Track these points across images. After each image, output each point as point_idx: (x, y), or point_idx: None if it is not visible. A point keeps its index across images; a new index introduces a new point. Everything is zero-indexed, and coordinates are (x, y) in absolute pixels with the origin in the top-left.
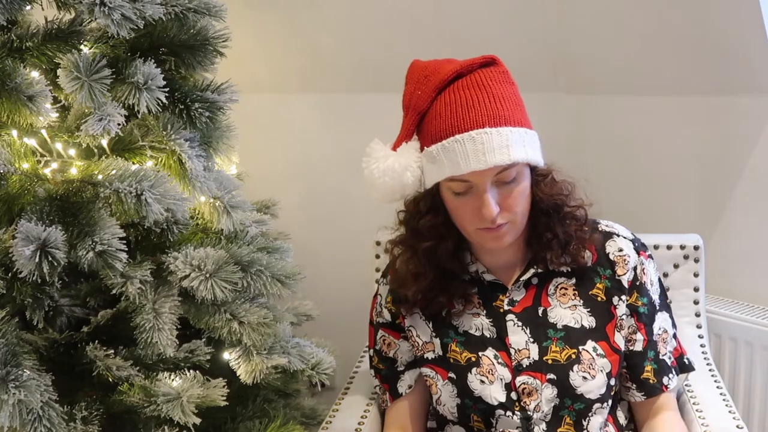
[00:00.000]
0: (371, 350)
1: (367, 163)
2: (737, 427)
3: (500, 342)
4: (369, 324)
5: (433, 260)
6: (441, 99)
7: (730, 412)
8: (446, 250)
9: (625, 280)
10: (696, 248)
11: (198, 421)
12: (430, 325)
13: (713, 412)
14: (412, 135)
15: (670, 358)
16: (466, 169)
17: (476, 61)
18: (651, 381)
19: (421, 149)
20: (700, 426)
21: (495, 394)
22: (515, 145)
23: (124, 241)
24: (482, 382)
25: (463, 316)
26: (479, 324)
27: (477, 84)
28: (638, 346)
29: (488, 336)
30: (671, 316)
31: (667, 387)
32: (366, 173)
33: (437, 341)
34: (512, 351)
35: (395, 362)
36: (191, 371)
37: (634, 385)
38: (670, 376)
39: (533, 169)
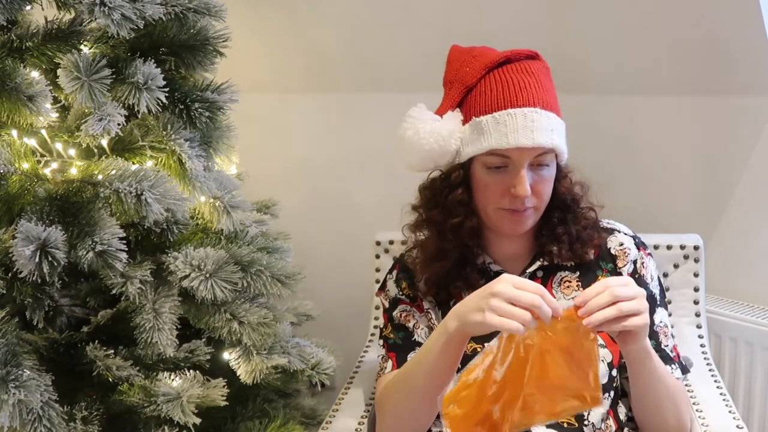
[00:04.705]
0: (383, 326)
1: (411, 123)
2: (737, 427)
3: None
4: (383, 299)
5: (459, 237)
6: (491, 76)
7: (730, 412)
8: (471, 227)
9: (625, 272)
10: (696, 248)
11: (198, 421)
12: (440, 314)
13: (713, 412)
14: (456, 106)
15: (672, 351)
16: (513, 143)
17: (523, 52)
18: None
19: (464, 122)
20: (700, 426)
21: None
22: (557, 133)
23: (124, 241)
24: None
25: None
26: None
27: (526, 70)
28: None
29: None
30: (668, 317)
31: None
32: (409, 134)
33: None
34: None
35: (411, 334)
36: (191, 371)
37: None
38: (673, 367)
39: (558, 166)
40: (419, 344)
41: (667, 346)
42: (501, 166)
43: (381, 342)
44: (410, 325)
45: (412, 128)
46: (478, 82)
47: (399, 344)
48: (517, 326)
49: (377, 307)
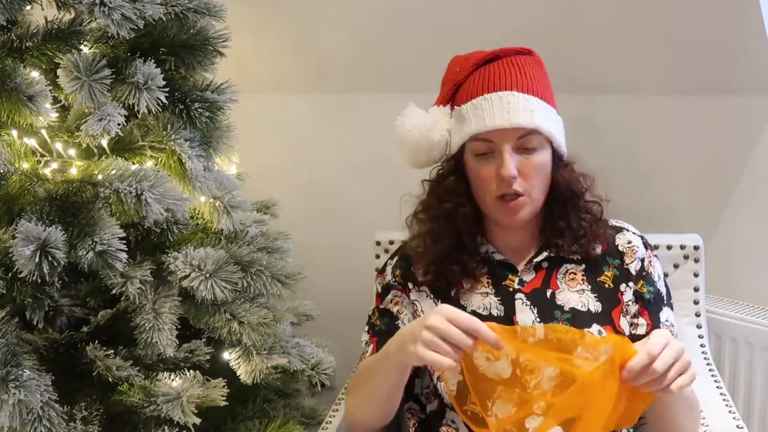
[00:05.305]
0: (372, 310)
1: (400, 120)
2: (737, 427)
3: (507, 320)
4: (378, 282)
5: (452, 223)
6: (477, 72)
7: (730, 412)
8: (465, 214)
9: (633, 269)
10: (696, 248)
11: (198, 421)
12: (438, 303)
13: (713, 412)
14: (445, 102)
15: None
16: (490, 125)
17: (513, 49)
18: None
19: (451, 116)
20: (701, 426)
21: (499, 370)
22: (539, 114)
23: (124, 241)
24: (488, 359)
25: (471, 296)
26: (487, 303)
27: (511, 63)
28: (641, 330)
29: (495, 315)
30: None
31: None
32: (398, 129)
33: None
34: (518, 329)
35: (396, 319)
36: (191, 371)
37: None
38: None
39: (555, 154)
40: None
41: None
42: (487, 152)
43: (367, 328)
44: (395, 310)
45: (400, 124)
46: (466, 78)
47: (383, 330)
48: (449, 363)
49: None
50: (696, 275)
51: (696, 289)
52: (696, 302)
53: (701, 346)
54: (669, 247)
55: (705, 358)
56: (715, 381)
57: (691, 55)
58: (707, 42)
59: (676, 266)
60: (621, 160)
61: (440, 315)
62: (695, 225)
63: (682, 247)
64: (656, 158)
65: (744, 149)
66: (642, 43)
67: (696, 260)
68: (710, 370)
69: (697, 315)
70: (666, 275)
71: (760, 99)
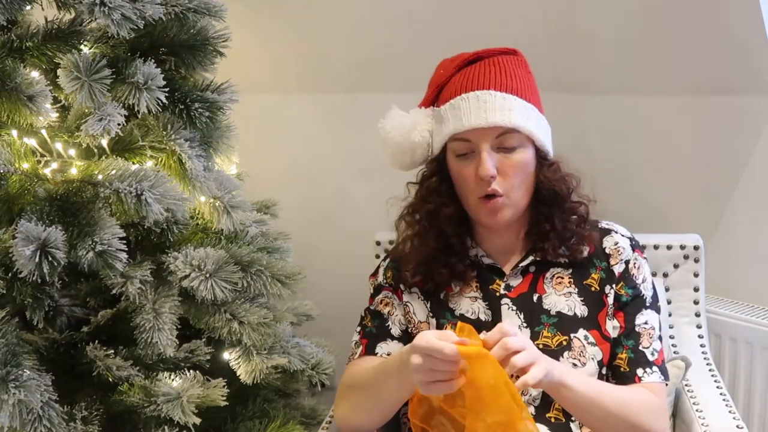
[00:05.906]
0: (364, 311)
1: (382, 122)
2: (737, 427)
3: (495, 325)
4: (371, 284)
5: (436, 223)
6: (459, 73)
7: (730, 412)
8: (448, 214)
9: (617, 270)
10: (696, 248)
11: (198, 421)
12: (428, 305)
13: (713, 412)
14: (428, 104)
15: (653, 354)
16: (467, 124)
17: (498, 49)
18: (622, 369)
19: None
20: (700, 426)
21: (487, 377)
22: (518, 113)
23: (124, 241)
24: None
25: (460, 300)
26: (475, 308)
27: (493, 63)
28: (614, 333)
29: (483, 319)
30: (660, 321)
31: (640, 379)
32: (380, 132)
33: (433, 321)
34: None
35: (386, 321)
36: (191, 371)
37: (610, 372)
38: (648, 370)
39: (539, 153)
40: (390, 334)
41: (647, 348)
42: (468, 152)
43: (359, 329)
44: (386, 311)
45: (382, 126)
46: (448, 80)
47: (373, 332)
48: (457, 384)
49: None
50: (696, 275)
51: (696, 289)
52: (696, 302)
53: (701, 346)
54: (669, 247)
55: (705, 358)
56: (715, 381)
57: (691, 55)
58: (707, 42)
59: (676, 266)
60: (621, 161)
61: (417, 365)
62: (695, 225)
63: (682, 247)
64: (656, 158)
65: (744, 149)
66: (642, 43)
67: (696, 260)
68: (710, 370)
69: (697, 315)
70: (665, 275)
71: (760, 99)
